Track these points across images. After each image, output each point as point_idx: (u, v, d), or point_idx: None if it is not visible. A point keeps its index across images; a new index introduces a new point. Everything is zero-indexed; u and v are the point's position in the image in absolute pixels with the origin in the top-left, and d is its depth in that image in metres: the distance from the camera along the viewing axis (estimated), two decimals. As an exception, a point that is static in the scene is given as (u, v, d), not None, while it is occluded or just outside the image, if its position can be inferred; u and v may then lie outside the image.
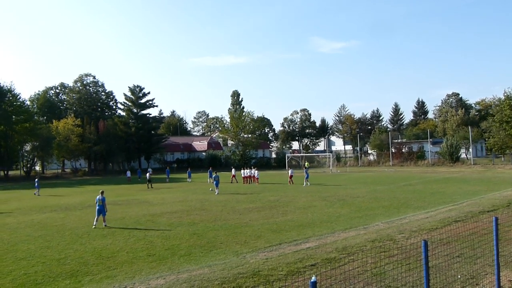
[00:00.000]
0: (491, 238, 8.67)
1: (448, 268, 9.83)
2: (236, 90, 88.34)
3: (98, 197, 18.80)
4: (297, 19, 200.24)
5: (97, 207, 18.56)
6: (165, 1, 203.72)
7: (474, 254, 10.32)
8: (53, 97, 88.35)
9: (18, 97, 67.12)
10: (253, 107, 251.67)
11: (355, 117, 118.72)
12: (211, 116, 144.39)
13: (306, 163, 62.78)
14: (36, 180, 39.22)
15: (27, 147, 70.61)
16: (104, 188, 40.30)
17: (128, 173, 56.35)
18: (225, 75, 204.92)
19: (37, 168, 77.54)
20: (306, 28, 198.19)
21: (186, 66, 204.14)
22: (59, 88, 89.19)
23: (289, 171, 41.73)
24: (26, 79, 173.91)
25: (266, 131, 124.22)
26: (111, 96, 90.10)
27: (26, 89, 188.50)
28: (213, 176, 34.20)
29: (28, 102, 75.89)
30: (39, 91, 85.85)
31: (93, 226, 18.02)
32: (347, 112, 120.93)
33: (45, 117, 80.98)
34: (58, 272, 11.07)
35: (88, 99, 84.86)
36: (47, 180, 60.99)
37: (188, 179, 49.06)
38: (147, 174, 41.97)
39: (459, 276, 9.24)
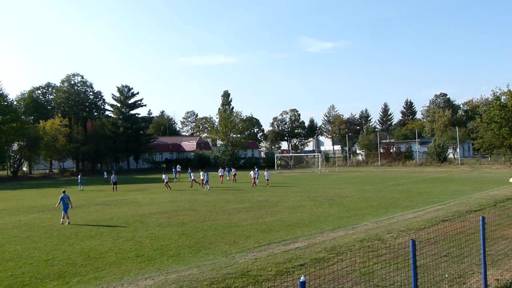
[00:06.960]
0: (478, 238, 8.78)
1: (436, 267, 9.93)
2: (227, 91, 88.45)
3: (61, 196, 19.64)
4: (286, 19, 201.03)
5: (63, 206, 19.29)
6: (154, 0, 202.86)
7: (461, 253, 10.42)
8: (40, 96, 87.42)
9: (5, 97, 66.23)
10: (242, 107, 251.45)
11: (343, 117, 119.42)
12: (200, 116, 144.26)
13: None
14: (79, 176, 41.97)
15: (14, 147, 69.74)
16: (92, 188, 40.74)
17: (105, 174, 54.78)
18: (214, 74, 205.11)
19: (24, 168, 76.57)
20: (296, 28, 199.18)
21: (175, 65, 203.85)
22: (45, 88, 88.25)
23: (251, 173, 39.61)
24: (12, 79, 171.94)
25: (255, 131, 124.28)
26: (99, 96, 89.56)
27: (13, 89, 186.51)
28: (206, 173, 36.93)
29: (15, 102, 74.97)
30: (25, 90, 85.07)
31: (61, 222, 19.09)
32: (336, 112, 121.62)
33: (32, 117, 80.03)
34: (46, 273, 10.96)
35: (76, 99, 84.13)
36: (34, 181, 60.35)
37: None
38: (111, 177, 41.13)
39: (446, 275, 9.33)
